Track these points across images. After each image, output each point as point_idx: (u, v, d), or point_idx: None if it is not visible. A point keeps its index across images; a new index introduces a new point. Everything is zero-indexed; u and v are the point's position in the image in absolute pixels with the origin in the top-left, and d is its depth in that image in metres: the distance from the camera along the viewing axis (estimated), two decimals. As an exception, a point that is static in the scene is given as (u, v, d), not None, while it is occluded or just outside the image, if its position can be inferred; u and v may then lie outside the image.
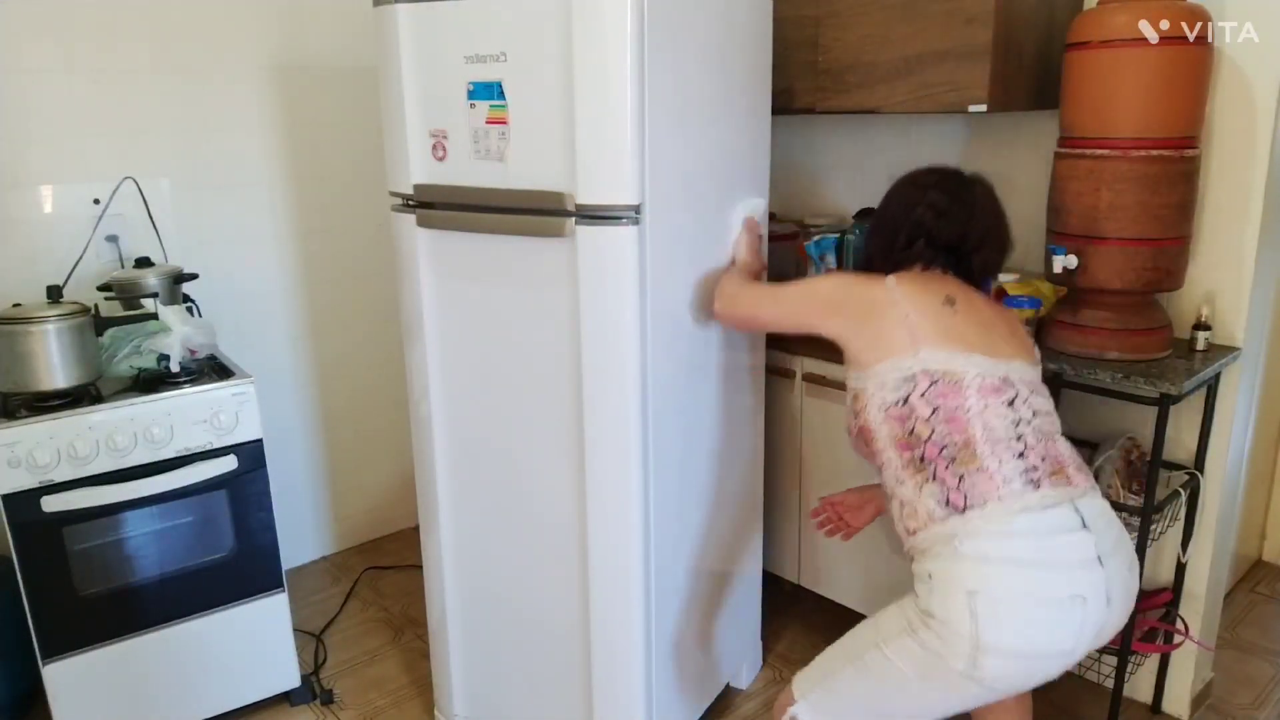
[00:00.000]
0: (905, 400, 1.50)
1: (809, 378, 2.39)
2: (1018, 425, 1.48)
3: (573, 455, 1.82)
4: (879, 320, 1.56)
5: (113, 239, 2.46)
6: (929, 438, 1.48)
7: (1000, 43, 2.00)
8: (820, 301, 1.68)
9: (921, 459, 1.49)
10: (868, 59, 2.20)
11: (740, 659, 2.36)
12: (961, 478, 1.45)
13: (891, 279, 1.60)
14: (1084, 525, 1.42)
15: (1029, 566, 1.40)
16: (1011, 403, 1.50)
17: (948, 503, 1.45)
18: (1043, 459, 1.47)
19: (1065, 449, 1.53)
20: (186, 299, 2.40)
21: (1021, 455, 1.46)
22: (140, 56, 2.49)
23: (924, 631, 1.43)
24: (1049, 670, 1.45)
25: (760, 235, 2.04)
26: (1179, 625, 2.20)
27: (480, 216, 1.80)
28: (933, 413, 1.48)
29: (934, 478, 1.47)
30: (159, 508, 2.09)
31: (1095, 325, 1.99)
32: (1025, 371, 1.56)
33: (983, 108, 2.02)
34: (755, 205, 2.04)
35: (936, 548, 1.45)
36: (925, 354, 1.51)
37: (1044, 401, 1.57)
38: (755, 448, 2.26)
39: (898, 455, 1.52)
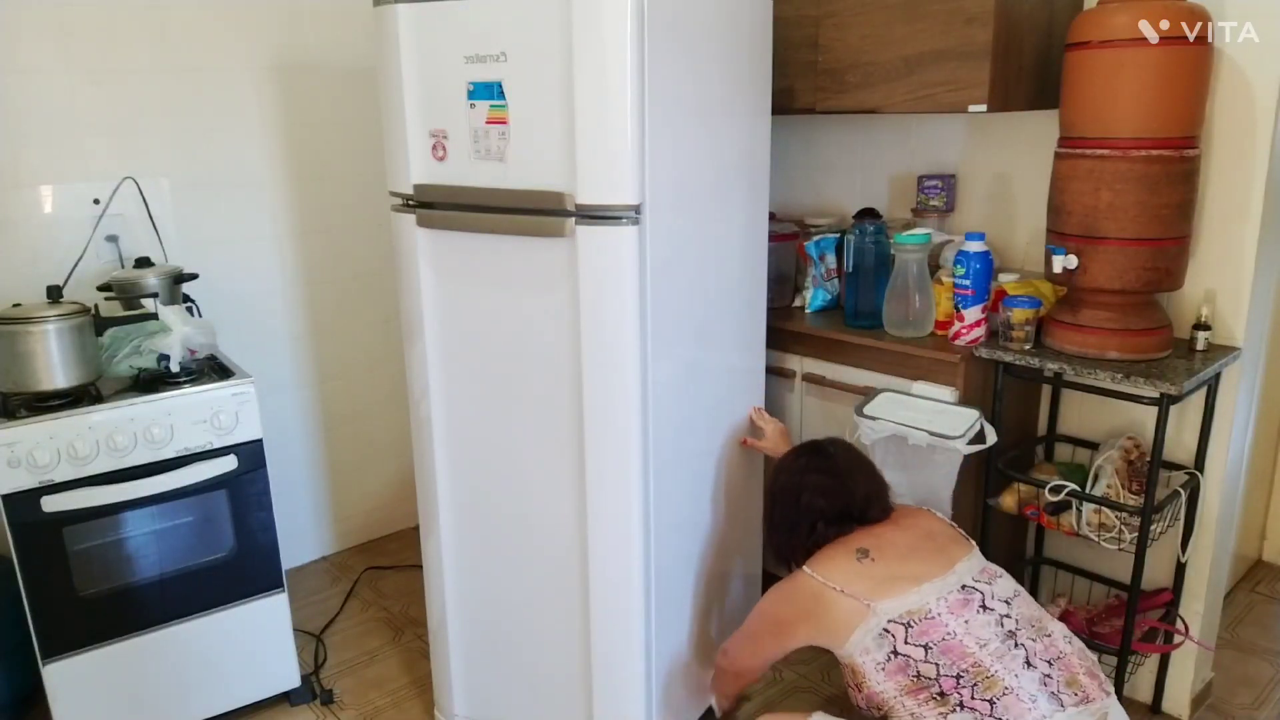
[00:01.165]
0: (894, 653, 1.55)
1: (809, 378, 2.39)
2: (1003, 624, 1.56)
3: (573, 455, 1.82)
4: (827, 608, 1.63)
5: (113, 239, 2.46)
6: (938, 674, 1.52)
7: (1000, 43, 2.00)
8: (775, 626, 1.76)
9: (941, 693, 1.51)
10: (868, 59, 2.20)
11: (740, 659, 2.36)
12: (992, 703, 1.48)
13: (807, 569, 1.69)
14: None
15: None
16: (984, 606, 1.57)
17: None
18: (1049, 663, 1.53)
19: (1064, 644, 1.59)
20: (186, 299, 2.40)
21: (1029, 664, 1.52)
22: (140, 56, 2.49)
23: None
24: None
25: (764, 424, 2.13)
26: (1179, 625, 2.20)
27: (480, 216, 1.80)
28: (926, 651, 1.53)
29: (961, 707, 1.50)
30: (159, 508, 2.09)
31: (1095, 325, 1.99)
32: (973, 564, 1.65)
33: (983, 108, 2.02)
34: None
35: None
36: (881, 607, 1.58)
37: (1006, 583, 1.66)
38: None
39: (913, 700, 1.54)
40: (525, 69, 1.66)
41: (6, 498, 1.91)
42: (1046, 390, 2.37)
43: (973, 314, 2.13)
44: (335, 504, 3.16)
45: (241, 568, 2.21)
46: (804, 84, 2.32)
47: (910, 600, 1.57)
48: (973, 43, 2.01)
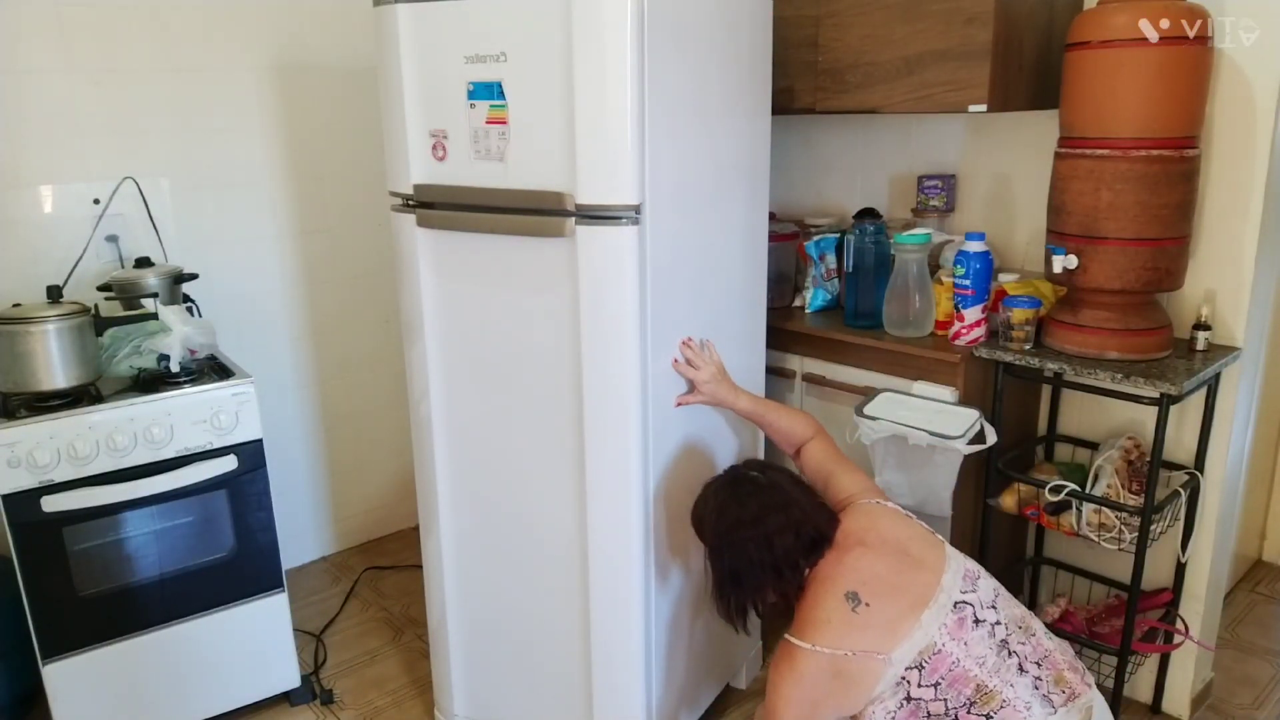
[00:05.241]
0: (908, 698, 1.50)
1: (809, 378, 2.39)
2: (994, 634, 1.52)
3: (573, 455, 1.82)
4: (850, 679, 1.51)
5: (113, 239, 2.46)
6: (945, 710, 1.49)
7: (1000, 43, 2.00)
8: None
9: None
10: (868, 59, 2.20)
11: (740, 659, 2.36)
12: (989, 717, 1.47)
13: (800, 642, 1.53)
14: None
15: None
16: (977, 621, 1.52)
17: None
18: (1038, 664, 1.52)
19: (1046, 640, 1.57)
20: (186, 299, 2.40)
21: (1022, 669, 1.50)
22: (140, 56, 2.49)
23: None
24: None
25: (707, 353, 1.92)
26: (1179, 625, 2.20)
27: (480, 216, 1.80)
28: (936, 689, 1.49)
29: None
30: (159, 508, 2.09)
31: (1095, 325, 1.99)
32: (955, 571, 1.57)
33: (983, 108, 2.02)
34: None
35: None
36: (896, 656, 1.49)
37: (986, 583, 1.59)
38: (755, 448, 2.26)
39: None
40: (525, 69, 1.66)
41: (6, 498, 1.91)
42: (1046, 390, 2.36)
43: (973, 314, 2.13)
44: (335, 504, 3.16)
45: (241, 568, 2.21)
46: (804, 84, 2.32)
47: (918, 640, 1.49)
48: (973, 43, 2.01)
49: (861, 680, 1.51)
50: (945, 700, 1.49)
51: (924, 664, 1.49)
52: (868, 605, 1.52)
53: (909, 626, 1.50)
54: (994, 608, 1.56)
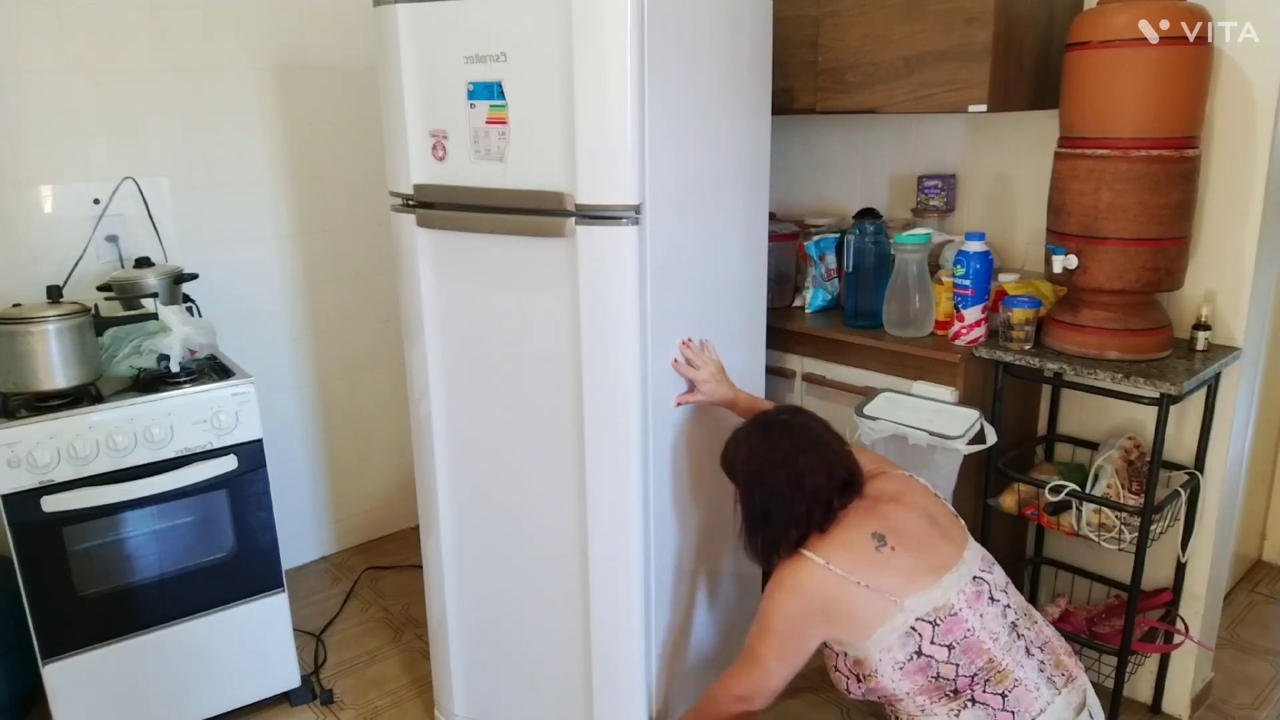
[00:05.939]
0: (918, 653, 1.49)
1: (809, 378, 2.39)
2: (1006, 615, 1.53)
3: (573, 455, 1.82)
4: (850, 606, 1.50)
5: (113, 239, 2.46)
6: (956, 674, 1.49)
7: (1000, 43, 2.00)
8: (787, 634, 1.56)
9: (954, 690, 1.50)
10: (868, 59, 2.20)
11: (740, 659, 2.36)
12: (1004, 696, 1.48)
13: (814, 556, 1.52)
14: (1089, 714, 1.55)
15: None
16: (993, 598, 1.54)
17: None
18: (1041, 649, 1.54)
19: (1046, 628, 1.60)
20: (186, 299, 2.40)
21: (1029, 653, 1.52)
22: (140, 56, 2.49)
23: None
24: None
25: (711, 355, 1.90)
26: (1179, 625, 2.20)
27: (480, 216, 1.80)
28: (949, 651, 1.49)
29: (974, 702, 1.49)
30: (159, 508, 2.09)
31: (1095, 325, 1.99)
32: (975, 550, 1.60)
33: (983, 108, 2.02)
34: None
35: None
36: (910, 603, 1.48)
37: (999, 570, 1.62)
38: (755, 448, 2.26)
39: (925, 698, 1.52)
40: (525, 69, 1.66)
41: (6, 498, 1.91)
42: (1046, 390, 2.37)
43: (973, 314, 2.13)
44: (335, 504, 3.16)
45: (241, 568, 2.21)
46: (804, 84, 2.32)
47: (935, 596, 1.49)
48: (973, 43, 2.01)
49: (864, 617, 1.49)
50: (957, 665, 1.48)
51: (938, 622, 1.48)
52: (892, 549, 1.51)
53: (927, 583, 1.50)
54: (1005, 592, 1.58)
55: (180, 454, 2.08)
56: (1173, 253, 1.93)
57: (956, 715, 1.49)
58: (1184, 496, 2.09)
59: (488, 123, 1.73)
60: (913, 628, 1.49)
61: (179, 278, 2.35)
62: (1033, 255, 2.34)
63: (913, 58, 2.11)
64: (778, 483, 1.59)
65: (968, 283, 2.10)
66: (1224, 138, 1.99)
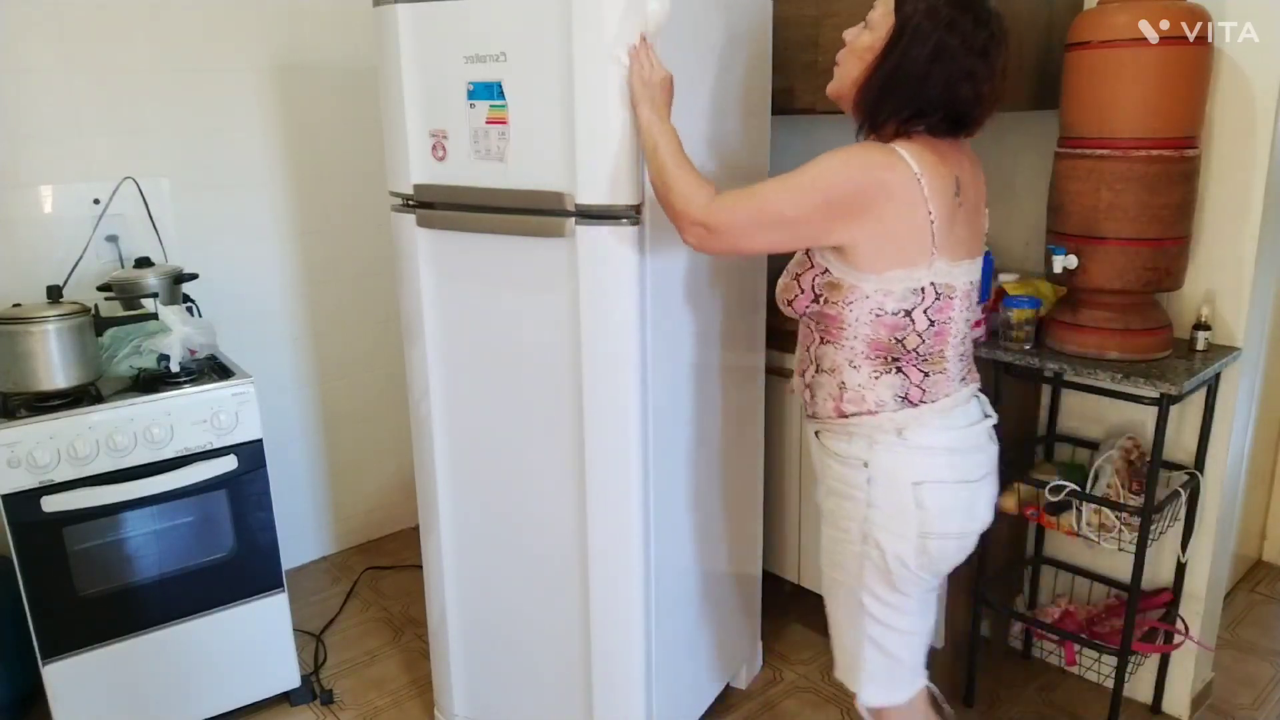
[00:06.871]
0: (908, 313, 1.42)
1: (809, 378, 2.39)
2: (966, 323, 1.53)
3: (573, 455, 1.82)
4: (894, 222, 1.36)
5: (113, 239, 2.46)
6: (914, 348, 1.45)
7: (1000, 43, 1.99)
8: (810, 195, 1.40)
9: (894, 358, 1.46)
10: (868, 59, 2.19)
11: (740, 659, 2.36)
12: (926, 375, 1.48)
13: (904, 153, 1.36)
14: (984, 414, 1.58)
15: (960, 453, 1.50)
16: (969, 305, 1.53)
17: (904, 396, 1.47)
18: (967, 352, 1.57)
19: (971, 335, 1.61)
20: (186, 299, 2.40)
21: (963, 355, 1.54)
22: (140, 56, 2.49)
23: (873, 545, 1.49)
24: (969, 547, 1.56)
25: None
26: (1179, 625, 2.20)
27: (480, 216, 1.80)
28: (928, 326, 1.44)
29: (898, 371, 1.47)
30: (159, 508, 2.09)
31: (1095, 325, 1.99)
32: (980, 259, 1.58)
33: (983, 108, 2.02)
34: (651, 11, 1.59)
35: (876, 435, 1.48)
36: (939, 265, 1.40)
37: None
38: (755, 447, 2.26)
39: (864, 347, 1.45)
40: (525, 69, 1.66)
41: (6, 498, 1.91)
42: (1046, 390, 2.36)
43: (973, 314, 2.13)
44: (335, 504, 3.16)
45: (241, 568, 2.21)
46: (804, 84, 2.32)
47: (956, 274, 1.42)
48: (973, 43, 2.00)
49: (897, 245, 1.37)
50: (921, 339, 1.43)
51: (940, 295, 1.42)
52: (960, 205, 1.42)
53: (961, 254, 1.44)
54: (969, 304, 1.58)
55: (180, 454, 2.08)
56: (1173, 253, 1.93)
57: (876, 377, 1.47)
58: (1184, 496, 2.09)
59: (487, 123, 1.73)
60: (922, 288, 1.40)
61: (179, 278, 2.35)
62: (1033, 255, 2.34)
63: (913, 58, 2.11)
64: (949, 62, 1.36)
65: (968, 283, 2.10)
66: (1224, 138, 1.99)
